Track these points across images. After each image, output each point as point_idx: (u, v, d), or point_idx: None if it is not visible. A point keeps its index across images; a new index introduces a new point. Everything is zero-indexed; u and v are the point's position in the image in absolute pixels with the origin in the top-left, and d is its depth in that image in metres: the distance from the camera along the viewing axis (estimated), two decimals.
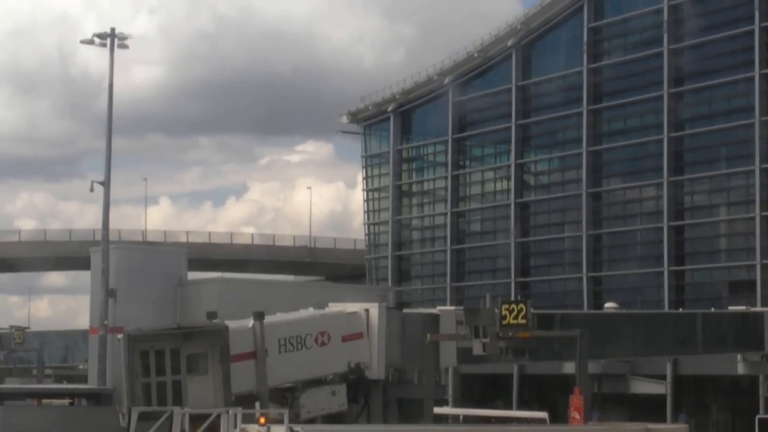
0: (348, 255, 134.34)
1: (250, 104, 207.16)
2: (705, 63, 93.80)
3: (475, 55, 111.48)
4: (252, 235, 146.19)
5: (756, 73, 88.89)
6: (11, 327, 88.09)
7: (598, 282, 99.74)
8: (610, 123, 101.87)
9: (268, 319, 45.94)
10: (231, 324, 45.78)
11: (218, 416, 36.39)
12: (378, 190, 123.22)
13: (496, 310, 39.72)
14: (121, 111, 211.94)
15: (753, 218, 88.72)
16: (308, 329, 47.06)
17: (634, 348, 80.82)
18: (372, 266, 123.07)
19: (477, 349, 39.60)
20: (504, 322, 39.26)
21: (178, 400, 41.90)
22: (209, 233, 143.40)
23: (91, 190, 55.85)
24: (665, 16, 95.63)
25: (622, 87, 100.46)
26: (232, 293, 52.13)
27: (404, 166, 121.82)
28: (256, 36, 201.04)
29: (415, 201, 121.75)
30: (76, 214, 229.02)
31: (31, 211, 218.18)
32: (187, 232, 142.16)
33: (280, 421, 34.61)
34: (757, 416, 66.84)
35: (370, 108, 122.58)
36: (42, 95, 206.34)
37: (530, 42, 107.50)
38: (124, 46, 55.88)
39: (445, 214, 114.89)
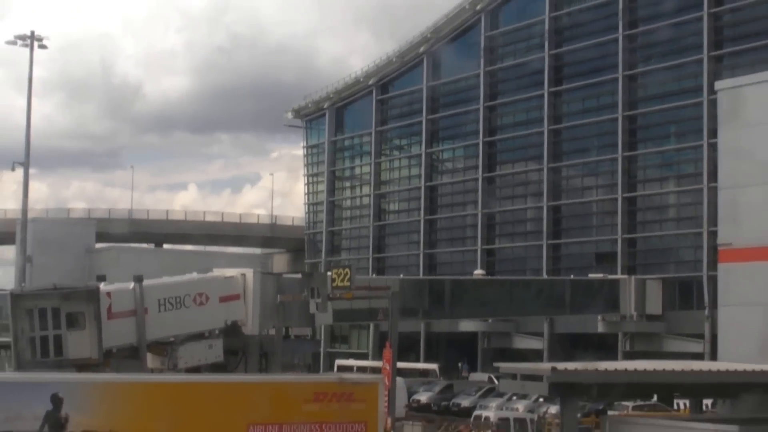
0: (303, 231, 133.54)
1: (262, 106, 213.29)
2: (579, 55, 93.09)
3: (394, 59, 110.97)
4: (222, 213, 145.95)
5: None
6: None
7: (492, 254, 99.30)
8: (502, 117, 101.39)
9: (150, 281, 45.26)
10: (115, 286, 45.14)
11: None
12: (316, 175, 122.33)
13: (328, 273, 39.09)
14: (153, 112, 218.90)
15: (701, 189, 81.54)
16: (187, 290, 46.37)
17: (513, 309, 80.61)
18: (311, 240, 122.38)
19: (312, 308, 38.94)
20: (334, 285, 38.59)
21: (59, 352, 41.30)
22: (185, 212, 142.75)
23: (12, 169, 54.95)
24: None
25: (512, 86, 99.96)
26: (129, 260, 51.56)
27: (338, 155, 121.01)
28: (264, 49, 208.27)
29: (346, 184, 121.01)
30: (119, 198, 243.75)
31: (82, 195, 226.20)
32: (167, 211, 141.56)
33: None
34: None
35: (310, 105, 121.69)
36: (88, 100, 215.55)
37: (439, 48, 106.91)
38: (43, 47, 55.03)
39: (369, 196, 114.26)
